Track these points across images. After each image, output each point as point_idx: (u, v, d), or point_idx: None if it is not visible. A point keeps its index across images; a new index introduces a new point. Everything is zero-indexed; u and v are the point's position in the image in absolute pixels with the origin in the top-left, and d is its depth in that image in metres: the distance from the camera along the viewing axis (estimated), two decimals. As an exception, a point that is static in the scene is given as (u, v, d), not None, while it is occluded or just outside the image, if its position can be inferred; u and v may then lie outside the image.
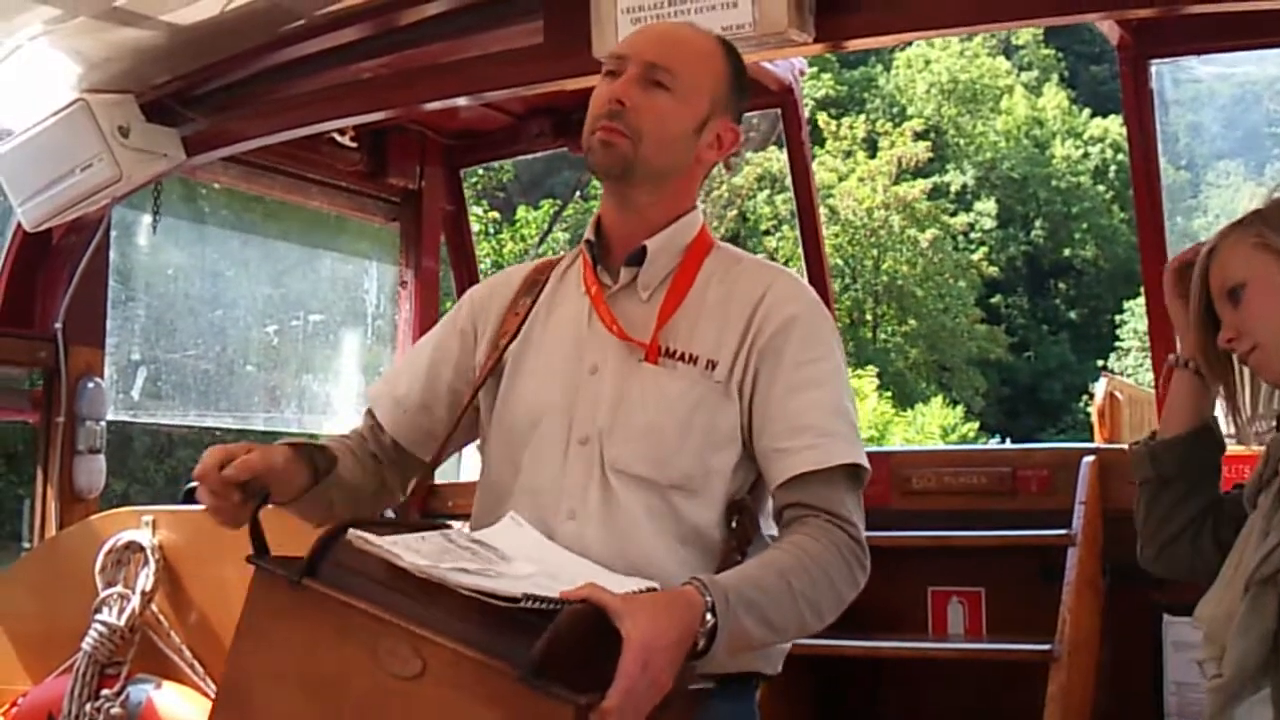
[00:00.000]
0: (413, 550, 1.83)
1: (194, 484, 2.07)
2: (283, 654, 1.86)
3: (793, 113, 4.48)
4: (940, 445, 22.08)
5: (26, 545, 4.27)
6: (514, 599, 1.72)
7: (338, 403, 5.11)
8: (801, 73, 4.48)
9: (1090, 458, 3.88)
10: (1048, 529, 3.80)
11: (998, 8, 2.92)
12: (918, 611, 4.10)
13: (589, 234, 2.26)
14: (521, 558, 1.93)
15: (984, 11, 2.97)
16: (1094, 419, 4.69)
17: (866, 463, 2.11)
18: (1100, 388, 4.75)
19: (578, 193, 21.54)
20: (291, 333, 5.17)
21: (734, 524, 2.12)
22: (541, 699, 1.66)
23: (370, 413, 2.37)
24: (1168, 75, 3.94)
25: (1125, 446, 4.03)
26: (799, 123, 4.51)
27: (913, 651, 3.99)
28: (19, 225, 4.02)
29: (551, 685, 1.66)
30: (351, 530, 1.86)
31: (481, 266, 18.11)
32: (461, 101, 4.07)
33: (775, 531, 2.13)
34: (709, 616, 1.82)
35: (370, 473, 2.31)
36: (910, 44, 32.65)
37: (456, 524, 3.87)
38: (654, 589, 1.92)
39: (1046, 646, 3.50)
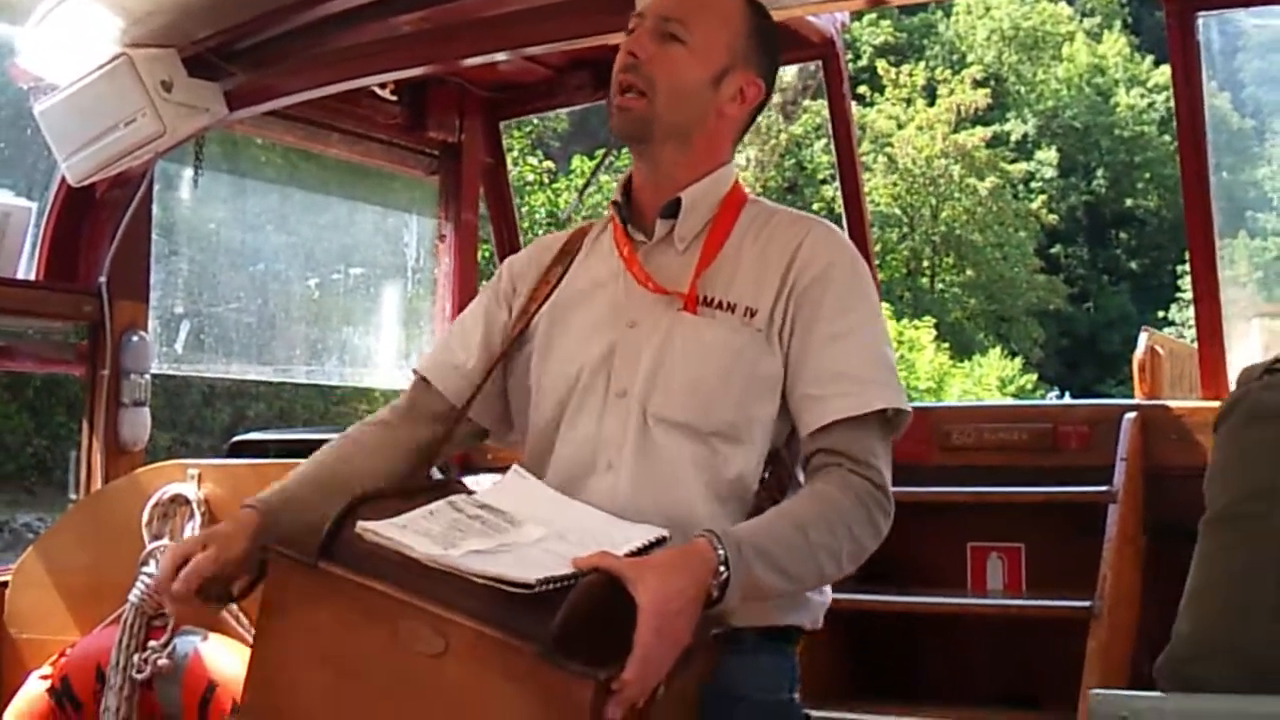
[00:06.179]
0: (423, 534, 1.84)
1: (238, 437, 2.07)
2: (306, 636, 1.87)
3: (834, 65, 4.45)
4: (980, 401, 21.88)
5: (73, 497, 4.31)
6: (528, 585, 1.73)
7: (378, 355, 5.12)
8: (844, 25, 4.44)
9: (1132, 414, 3.85)
10: (1088, 485, 3.79)
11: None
12: (957, 567, 4.10)
13: (617, 196, 2.27)
14: (530, 519, 1.94)
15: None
16: (1134, 374, 4.59)
17: (906, 405, 2.10)
18: (1141, 342, 4.66)
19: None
20: (332, 286, 5.18)
21: (767, 474, 2.12)
22: (562, 675, 1.69)
23: (424, 381, 2.35)
24: (1215, 27, 3.86)
25: (1167, 403, 4.02)
26: (840, 75, 4.47)
27: (952, 607, 4.00)
28: (63, 180, 4.03)
29: (571, 661, 1.68)
30: (360, 523, 1.86)
31: (537, 216, 18.18)
32: (501, 56, 4.05)
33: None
34: (722, 569, 1.83)
35: (382, 467, 2.26)
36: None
37: (489, 478, 3.89)
38: (664, 537, 1.93)
39: (1086, 603, 3.49)
